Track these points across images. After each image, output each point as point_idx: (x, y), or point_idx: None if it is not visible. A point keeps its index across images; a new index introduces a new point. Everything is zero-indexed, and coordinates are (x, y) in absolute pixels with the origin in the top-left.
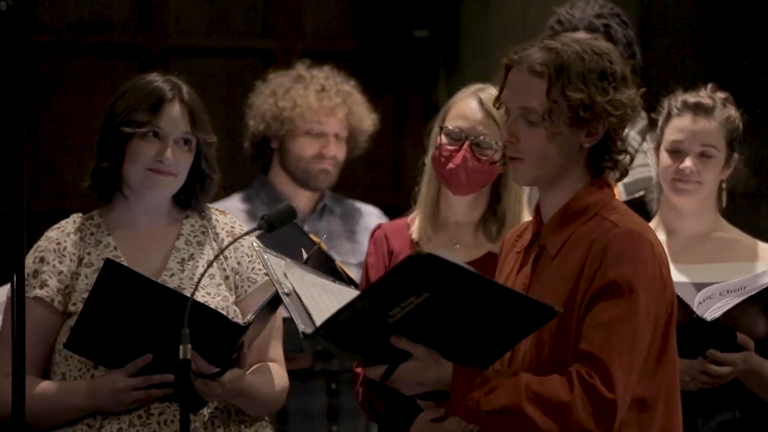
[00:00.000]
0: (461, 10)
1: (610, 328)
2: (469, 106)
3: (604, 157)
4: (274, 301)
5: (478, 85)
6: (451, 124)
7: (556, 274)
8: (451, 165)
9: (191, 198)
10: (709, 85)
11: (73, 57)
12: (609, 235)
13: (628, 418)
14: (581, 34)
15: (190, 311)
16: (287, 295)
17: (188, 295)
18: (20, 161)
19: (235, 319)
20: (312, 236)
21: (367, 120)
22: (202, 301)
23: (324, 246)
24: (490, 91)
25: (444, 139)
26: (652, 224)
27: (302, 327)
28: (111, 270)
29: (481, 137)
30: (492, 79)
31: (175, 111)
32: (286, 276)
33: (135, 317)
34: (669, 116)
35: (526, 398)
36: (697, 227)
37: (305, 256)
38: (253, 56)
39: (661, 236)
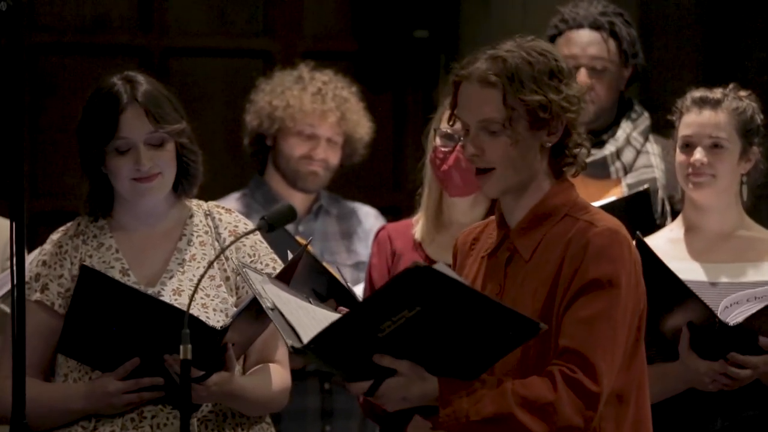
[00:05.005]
0: (461, 10)
1: (591, 323)
2: None
3: (563, 153)
4: None
5: None
6: (444, 126)
7: (533, 277)
8: (444, 166)
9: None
10: (731, 85)
11: (73, 57)
12: (587, 234)
13: (606, 411)
14: (519, 39)
15: (168, 316)
16: (271, 310)
17: (187, 297)
18: (20, 161)
19: (211, 323)
20: (298, 239)
21: (362, 127)
22: (199, 304)
23: (310, 248)
24: None
25: (438, 141)
26: (676, 222)
27: (290, 342)
28: (87, 276)
29: None
30: None
31: (132, 115)
32: (264, 290)
33: (118, 321)
34: (680, 115)
35: (515, 403)
36: (720, 224)
37: (290, 257)
38: (253, 56)
39: (679, 233)
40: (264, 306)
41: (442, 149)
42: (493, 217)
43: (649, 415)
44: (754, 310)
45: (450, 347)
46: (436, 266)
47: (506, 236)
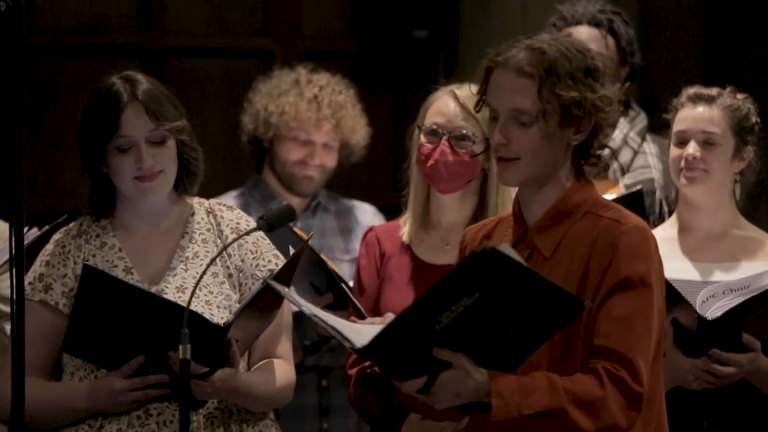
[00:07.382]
0: (461, 10)
1: (627, 322)
2: (444, 102)
3: (588, 153)
4: (276, 298)
5: (454, 85)
6: (428, 122)
7: (556, 275)
8: (431, 161)
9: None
10: (728, 88)
11: (73, 57)
12: (614, 231)
13: None
14: (557, 34)
15: (171, 313)
16: (314, 316)
17: (189, 295)
18: (20, 161)
19: (215, 320)
20: (297, 231)
21: (359, 133)
22: (203, 301)
23: (310, 242)
24: (467, 88)
25: (423, 138)
26: (669, 222)
27: (347, 344)
28: (90, 275)
29: (458, 131)
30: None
31: (133, 113)
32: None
33: (122, 320)
34: (675, 112)
35: (567, 400)
36: (713, 223)
37: (292, 252)
38: (253, 56)
39: (672, 232)
40: (307, 312)
41: (427, 145)
42: (504, 214)
43: (666, 418)
44: (733, 304)
45: (498, 335)
46: (502, 249)
47: (525, 233)
